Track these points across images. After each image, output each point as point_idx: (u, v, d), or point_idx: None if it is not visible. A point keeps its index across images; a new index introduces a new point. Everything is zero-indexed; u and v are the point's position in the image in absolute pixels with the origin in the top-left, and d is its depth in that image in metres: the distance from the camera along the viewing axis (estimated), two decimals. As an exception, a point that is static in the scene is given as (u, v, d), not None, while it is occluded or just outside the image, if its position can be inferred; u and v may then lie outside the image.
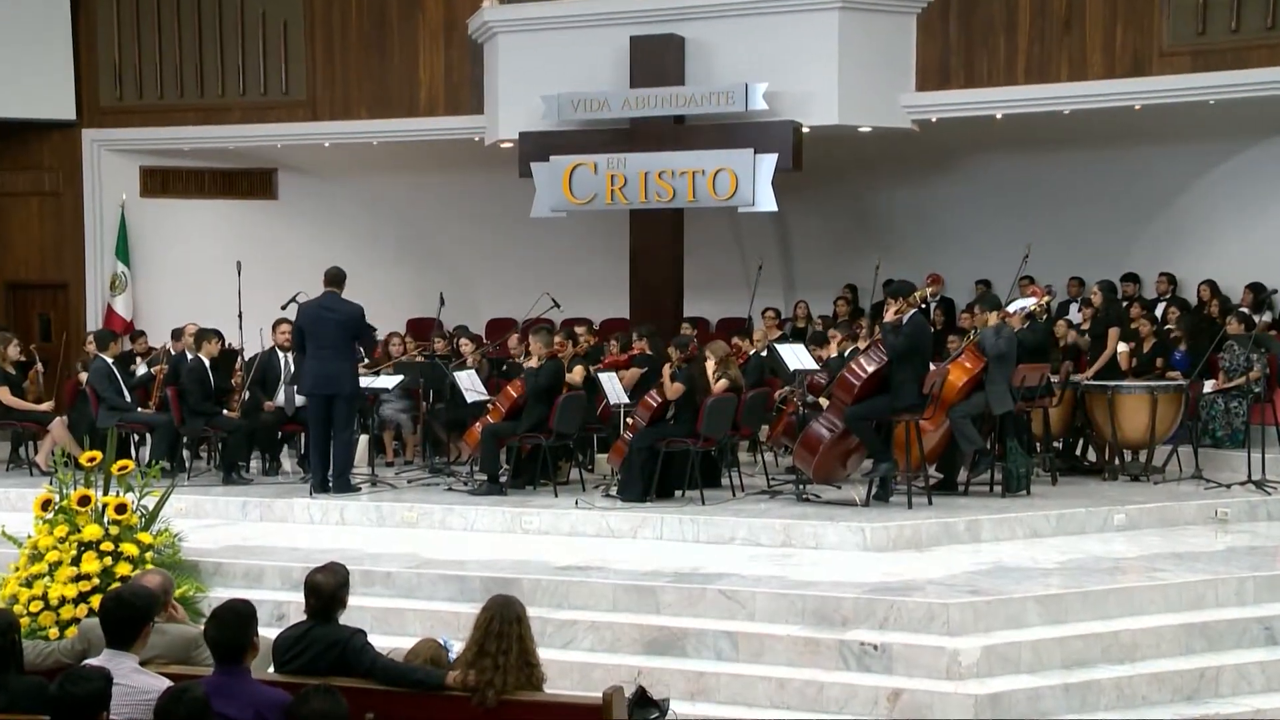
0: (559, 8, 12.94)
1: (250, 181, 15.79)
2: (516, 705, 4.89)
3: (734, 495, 9.94)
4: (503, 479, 10.24)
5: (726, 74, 12.17)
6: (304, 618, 5.26)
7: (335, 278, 10.29)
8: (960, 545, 8.64)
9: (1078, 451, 11.51)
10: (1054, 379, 10.65)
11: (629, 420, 10.44)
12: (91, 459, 7.99)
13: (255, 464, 11.61)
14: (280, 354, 11.58)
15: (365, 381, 10.76)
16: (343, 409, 10.14)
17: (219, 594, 7.52)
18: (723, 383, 10.03)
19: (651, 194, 12.11)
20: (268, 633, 5.23)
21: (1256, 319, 11.32)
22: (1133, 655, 6.98)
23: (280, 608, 7.62)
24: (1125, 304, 12.84)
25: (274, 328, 11.74)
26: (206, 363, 11.11)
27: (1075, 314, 13.09)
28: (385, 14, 14.46)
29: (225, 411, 11.15)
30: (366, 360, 11.37)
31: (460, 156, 14.57)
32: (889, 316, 9.31)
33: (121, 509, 7.75)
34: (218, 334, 11.57)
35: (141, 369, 12.16)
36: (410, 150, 14.77)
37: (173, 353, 11.91)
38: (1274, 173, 13.02)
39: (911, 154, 14.16)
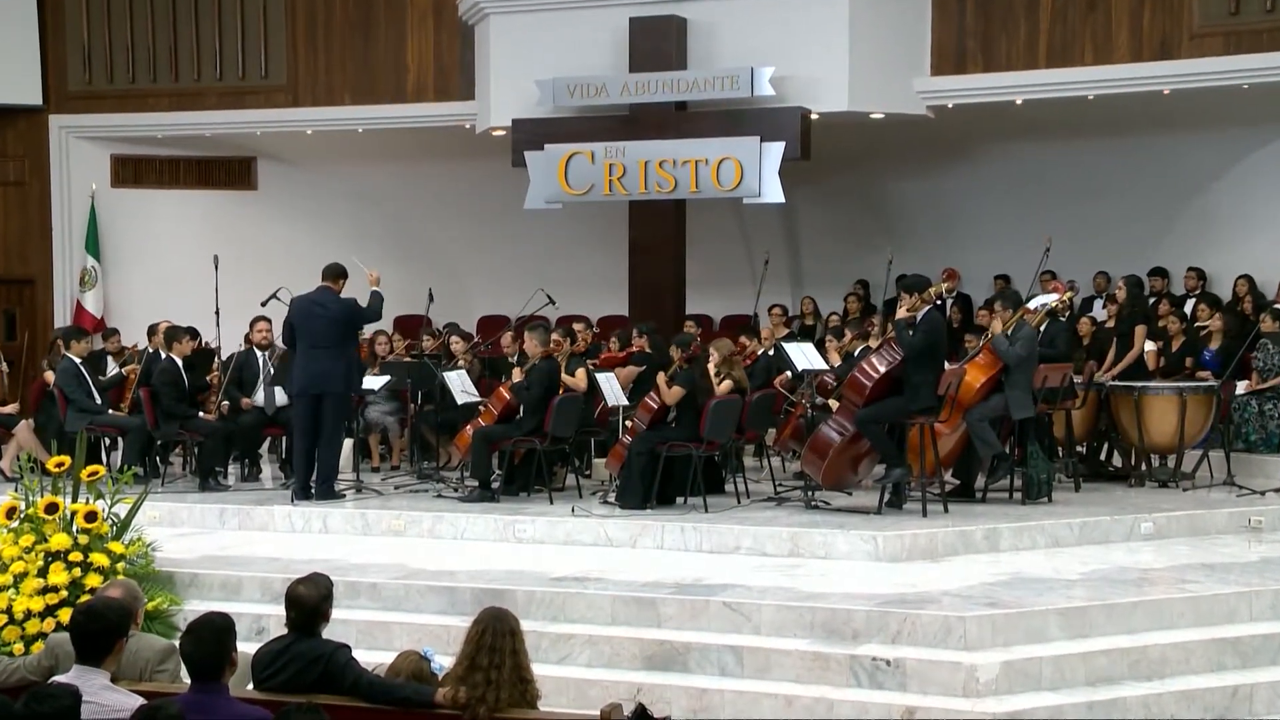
0: (554, -13, 12.94)
1: (228, 171, 15.79)
2: (509, 724, 4.90)
3: (739, 502, 9.93)
4: (495, 485, 10.24)
5: (731, 57, 12.17)
6: (285, 632, 5.26)
7: (331, 272, 10.30)
8: (978, 555, 8.65)
9: (1102, 456, 11.50)
10: (1077, 379, 10.65)
11: (628, 423, 10.44)
12: (59, 464, 8.00)
13: (234, 469, 11.61)
14: (258, 353, 11.57)
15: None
16: (332, 412, 10.14)
17: (195, 607, 7.52)
18: (726, 384, 10.03)
19: (652, 184, 12.11)
20: (246, 648, 5.22)
21: (1292, 316, 11.32)
22: (1161, 672, 6.97)
23: (260, 621, 7.62)
24: (1152, 300, 12.83)
25: (251, 325, 11.73)
26: (179, 362, 11.10)
27: (1099, 310, 13.09)
28: (371, -6, 14.48)
29: (201, 414, 11.14)
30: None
31: (450, 145, 14.58)
32: (901, 313, 9.32)
33: (91, 517, 7.75)
34: (190, 332, 11.55)
35: (114, 368, 12.16)
36: (397, 138, 14.77)
37: (150, 350, 11.89)
38: (1311, 161, 13.05)
39: (926, 142, 14.16)
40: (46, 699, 4.30)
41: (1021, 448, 9.99)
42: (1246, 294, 12.72)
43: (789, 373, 11.26)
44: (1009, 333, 9.73)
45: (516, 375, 10.37)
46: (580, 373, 10.59)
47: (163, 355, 11.25)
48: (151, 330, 12.25)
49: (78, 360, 11.34)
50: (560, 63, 12.53)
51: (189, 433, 11.11)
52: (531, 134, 12.51)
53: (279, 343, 11.08)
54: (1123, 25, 12.27)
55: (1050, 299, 10.68)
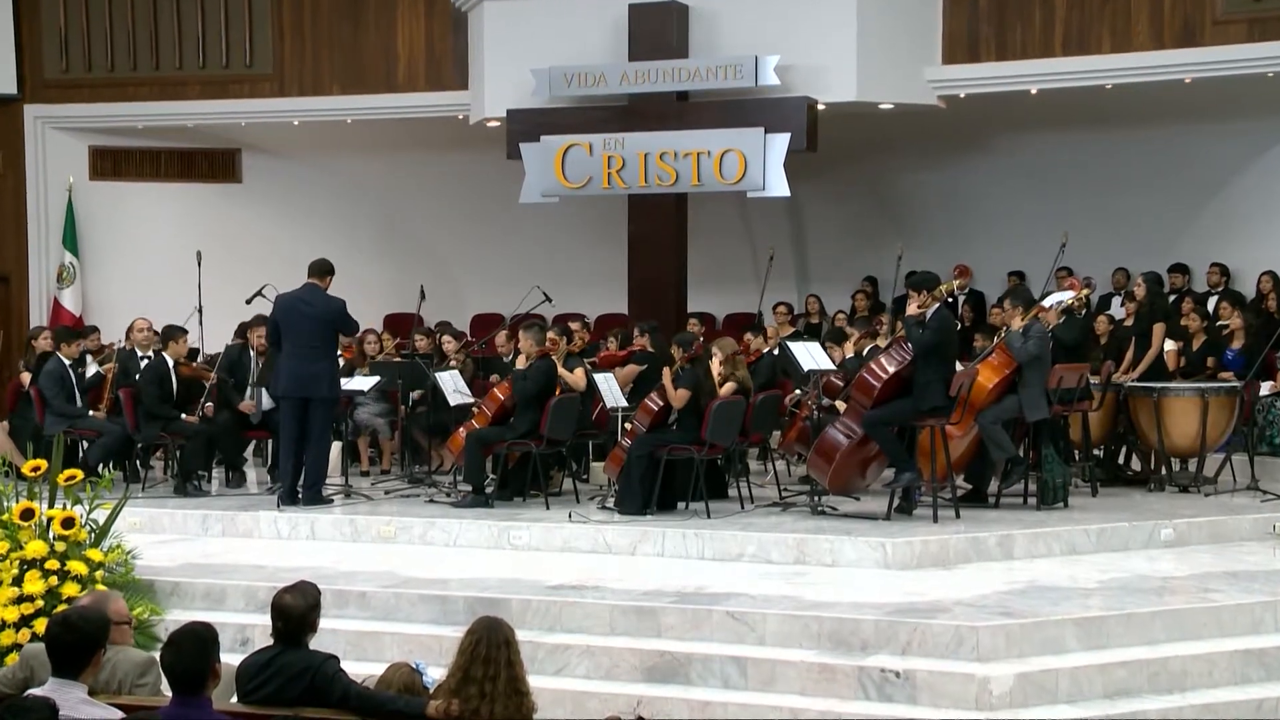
0: (550, -27, 12.93)
1: (211, 163, 15.79)
2: (504, 738, 4.89)
3: (742, 507, 9.93)
4: (489, 490, 10.23)
5: (734, 46, 12.16)
6: (270, 642, 5.26)
7: (317, 268, 10.29)
8: (991, 563, 8.64)
9: (1120, 460, 11.51)
10: (1094, 380, 10.65)
11: (627, 425, 10.43)
12: (36, 468, 8.00)
13: (217, 473, 11.60)
14: (251, 353, 11.52)
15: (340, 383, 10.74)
16: (319, 414, 10.14)
17: (177, 616, 7.54)
18: (730, 385, 10.03)
19: (652, 177, 12.10)
20: (230, 659, 5.22)
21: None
22: (1182, 684, 6.97)
23: (244, 631, 7.61)
24: (1173, 297, 12.83)
25: (249, 328, 11.65)
26: (170, 362, 11.07)
27: (1118, 308, 13.09)
28: (360, -21, 14.48)
29: (184, 416, 11.10)
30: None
31: (442, 136, 14.57)
32: (912, 310, 9.31)
33: (69, 523, 7.76)
34: (185, 331, 11.51)
35: (93, 369, 12.14)
36: (387, 129, 14.77)
37: (126, 349, 11.87)
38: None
39: (937, 133, 14.17)
40: (22, 712, 4.30)
41: (1036, 451, 9.99)
42: (1271, 291, 12.71)
43: (799, 390, 11.23)
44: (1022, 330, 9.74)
45: (520, 363, 10.35)
46: (579, 370, 10.59)
47: (139, 354, 11.25)
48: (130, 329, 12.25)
49: (67, 362, 11.31)
50: (557, 51, 12.52)
51: (170, 435, 11.09)
52: (527, 125, 12.50)
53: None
54: (1142, 11, 12.25)
55: (1066, 296, 10.69)
